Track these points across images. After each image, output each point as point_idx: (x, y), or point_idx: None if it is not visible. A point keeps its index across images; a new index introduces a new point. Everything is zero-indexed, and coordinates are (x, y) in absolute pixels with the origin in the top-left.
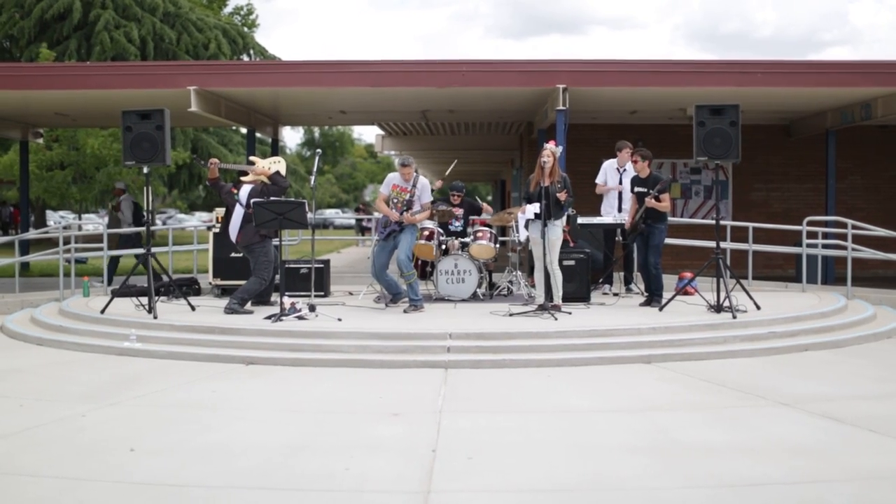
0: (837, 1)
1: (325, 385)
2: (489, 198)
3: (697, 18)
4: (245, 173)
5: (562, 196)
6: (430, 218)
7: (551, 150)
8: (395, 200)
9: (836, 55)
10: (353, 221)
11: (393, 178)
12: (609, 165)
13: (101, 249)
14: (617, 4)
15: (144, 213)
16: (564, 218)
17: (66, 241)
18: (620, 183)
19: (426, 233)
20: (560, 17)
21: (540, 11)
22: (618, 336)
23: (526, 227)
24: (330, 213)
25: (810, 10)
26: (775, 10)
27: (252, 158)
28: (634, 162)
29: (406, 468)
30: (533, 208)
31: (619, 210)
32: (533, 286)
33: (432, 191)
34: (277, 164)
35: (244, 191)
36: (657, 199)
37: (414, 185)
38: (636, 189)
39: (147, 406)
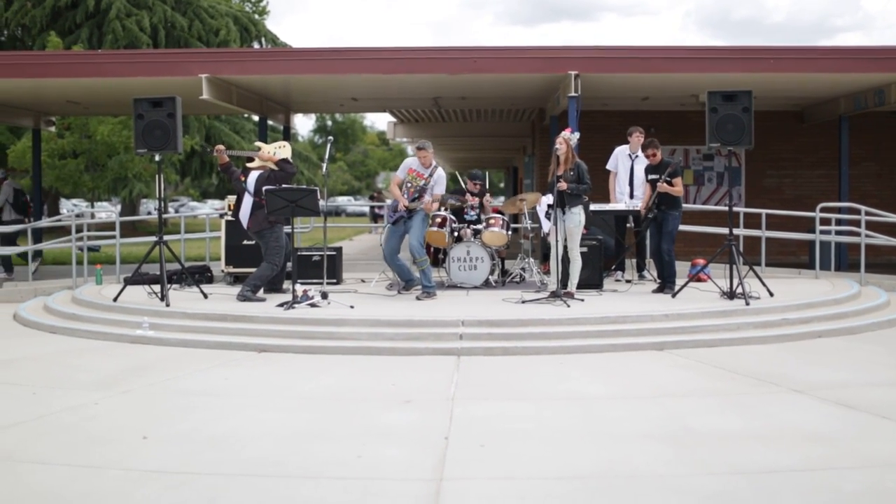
0: None
1: (338, 372)
2: (501, 185)
3: (709, 4)
4: (252, 160)
5: (562, 186)
6: (439, 210)
7: (564, 138)
8: (409, 185)
9: (849, 41)
10: (366, 209)
11: (411, 162)
12: (620, 151)
13: (113, 238)
14: None
15: (28, 201)
16: (582, 206)
17: (79, 229)
18: (632, 169)
19: (438, 220)
20: (570, 4)
21: None
22: (630, 323)
23: (548, 217)
24: (342, 201)
25: None
26: None
27: (258, 144)
28: (652, 155)
29: (418, 455)
30: (548, 200)
31: (632, 196)
32: (546, 273)
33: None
34: (282, 150)
35: (251, 178)
36: (670, 183)
37: (431, 175)
38: (650, 176)
39: (159, 394)
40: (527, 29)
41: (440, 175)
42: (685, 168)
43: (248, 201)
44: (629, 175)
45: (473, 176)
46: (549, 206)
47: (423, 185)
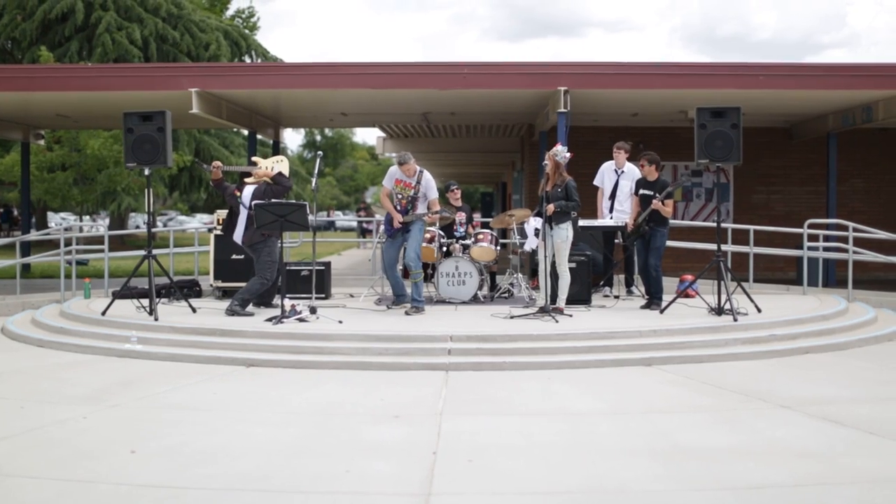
0: (836, 3)
1: (326, 387)
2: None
3: (695, 21)
4: (249, 175)
5: (549, 210)
6: (433, 225)
7: (550, 154)
8: (400, 196)
9: (834, 58)
10: (354, 223)
11: (396, 172)
12: (607, 167)
13: (102, 251)
14: (614, 7)
15: None
16: (569, 222)
17: (68, 243)
18: (616, 183)
19: (427, 235)
20: (557, 20)
21: (537, 13)
22: (619, 339)
23: (536, 234)
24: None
25: (808, 12)
26: (773, 12)
27: (254, 159)
28: (641, 166)
29: (407, 470)
30: (536, 222)
31: (611, 210)
32: (534, 288)
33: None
34: (280, 164)
35: (247, 192)
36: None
37: (418, 182)
38: (641, 191)
39: (148, 408)
40: (512, 45)
41: (428, 179)
42: (684, 186)
43: (243, 215)
44: (612, 190)
45: (449, 186)
46: (537, 229)
47: (412, 194)
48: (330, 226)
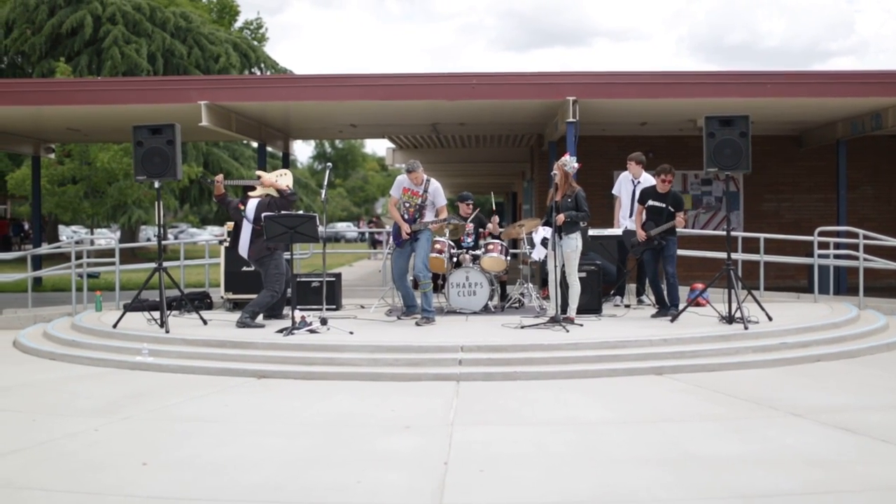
0: (843, 11)
1: (337, 398)
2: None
3: (702, 30)
4: (253, 188)
5: (559, 220)
6: (442, 233)
7: (559, 164)
8: (408, 205)
9: (842, 65)
10: (365, 235)
11: (403, 181)
12: (624, 177)
13: (113, 264)
14: (620, 16)
15: None
16: (579, 232)
17: (79, 256)
18: (634, 194)
19: (437, 246)
20: (564, 30)
21: (543, 24)
22: (629, 348)
23: (543, 244)
24: (341, 227)
25: (816, 20)
26: (781, 20)
27: (258, 173)
28: (666, 181)
29: (418, 481)
30: (544, 231)
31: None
32: (545, 298)
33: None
34: (284, 177)
35: (251, 205)
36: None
37: (426, 190)
38: (650, 203)
39: (159, 420)
40: (520, 55)
41: (435, 187)
42: (684, 192)
43: (247, 229)
44: (630, 200)
45: (463, 197)
46: (545, 238)
47: (420, 202)
48: (361, 236)
